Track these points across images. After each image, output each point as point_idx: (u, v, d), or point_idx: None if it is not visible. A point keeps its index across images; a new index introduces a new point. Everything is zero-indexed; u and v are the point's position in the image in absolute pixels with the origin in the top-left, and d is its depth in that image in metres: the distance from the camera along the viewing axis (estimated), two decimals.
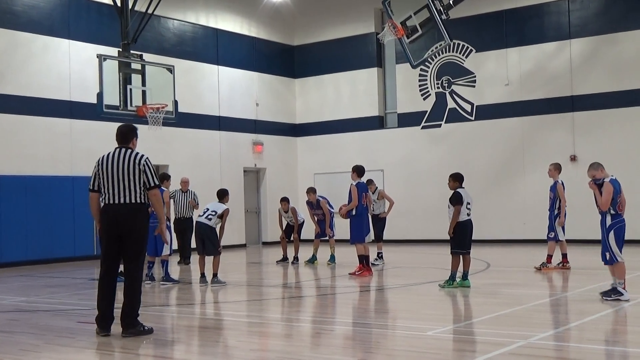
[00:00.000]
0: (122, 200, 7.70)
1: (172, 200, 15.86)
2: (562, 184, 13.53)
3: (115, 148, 7.93)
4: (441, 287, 11.16)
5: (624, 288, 9.32)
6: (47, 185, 17.87)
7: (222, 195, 12.87)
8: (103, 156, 7.89)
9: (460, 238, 11.15)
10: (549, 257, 13.50)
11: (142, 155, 7.86)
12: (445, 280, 11.24)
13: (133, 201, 7.71)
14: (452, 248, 11.24)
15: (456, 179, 11.39)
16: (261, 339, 7.86)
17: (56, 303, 10.81)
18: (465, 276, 11.19)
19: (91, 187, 7.89)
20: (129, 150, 7.88)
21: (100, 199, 7.88)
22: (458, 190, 11.23)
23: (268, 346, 7.44)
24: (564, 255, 13.58)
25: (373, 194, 15.07)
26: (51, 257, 17.88)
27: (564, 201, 13.38)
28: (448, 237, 11.27)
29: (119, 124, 8.49)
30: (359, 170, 13.61)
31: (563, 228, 13.44)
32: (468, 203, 11.21)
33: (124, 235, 7.72)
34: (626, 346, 7.08)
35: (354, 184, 13.39)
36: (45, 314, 9.76)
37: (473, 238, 11.49)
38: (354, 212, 13.31)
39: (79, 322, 8.78)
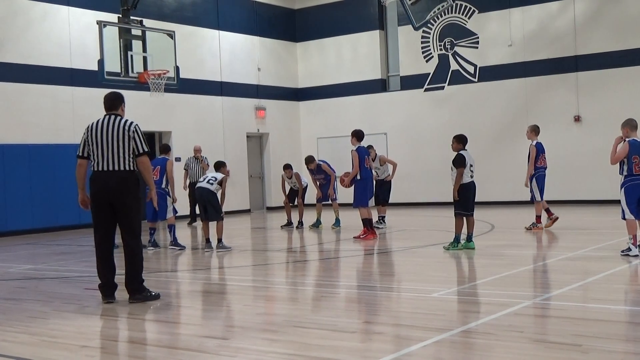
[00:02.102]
0: (111, 168, 7.66)
1: (185, 169, 18.19)
2: (537, 146, 13.61)
3: (105, 115, 7.87)
4: (446, 250, 11.19)
5: (633, 244, 9.67)
6: (50, 154, 17.87)
7: (219, 166, 12.93)
8: (92, 123, 7.83)
9: (464, 200, 11.15)
10: (537, 217, 13.70)
11: (132, 122, 7.80)
12: (450, 243, 11.27)
13: (122, 168, 7.67)
14: (455, 210, 11.25)
15: (459, 141, 11.35)
16: (266, 303, 7.91)
17: (63, 270, 10.88)
18: (469, 238, 11.22)
19: (80, 154, 7.84)
20: (119, 117, 7.82)
21: (90, 166, 7.85)
22: (461, 152, 11.20)
23: (273, 310, 7.49)
24: (538, 217, 13.76)
25: (374, 160, 15.02)
26: (56, 225, 17.96)
27: (531, 163, 13.55)
28: (452, 200, 11.28)
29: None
30: (358, 135, 13.59)
31: (542, 189, 13.59)
32: (471, 165, 11.19)
33: (115, 203, 7.70)
34: (630, 305, 7.12)
35: (354, 149, 13.38)
36: (53, 281, 9.83)
37: (477, 200, 11.51)
38: (358, 177, 13.30)
39: (85, 289, 8.84)
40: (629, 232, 9.79)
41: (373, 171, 14.50)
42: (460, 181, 11.08)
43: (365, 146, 14.86)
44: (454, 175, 11.14)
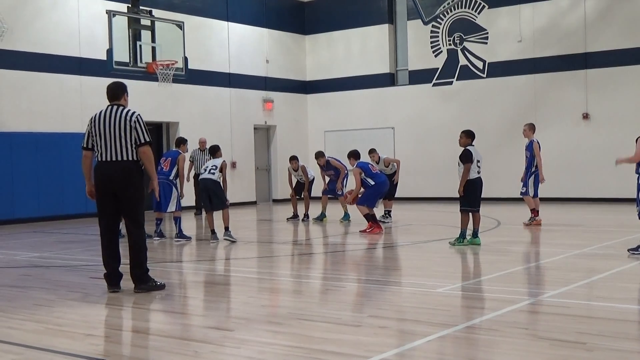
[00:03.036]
0: (114, 158, 7.68)
1: (190, 161, 18.02)
2: (538, 143, 13.96)
3: (107, 106, 7.88)
4: (451, 245, 11.18)
5: None
6: (58, 142, 17.91)
7: (215, 151, 12.94)
8: (96, 114, 7.85)
9: (470, 196, 11.13)
10: (536, 211, 13.82)
11: (134, 112, 7.81)
12: (456, 238, 11.26)
13: (125, 159, 7.68)
14: (461, 205, 11.23)
15: (468, 136, 11.33)
16: (271, 295, 7.93)
17: (69, 259, 10.91)
18: (475, 234, 11.20)
19: (85, 145, 7.86)
20: (121, 108, 7.83)
21: (95, 157, 7.87)
22: (468, 148, 11.17)
23: (278, 302, 7.50)
24: (533, 210, 13.89)
25: (377, 163, 14.99)
26: (63, 214, 18.02)
27: (539, 159, 13.80)
28: (458, 195, 11.27)
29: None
30: (355, 155, 14.02)
31: (536, 185, 13.84)
32: (478, 161, 11.16)
33: (119, 193, 7.73)
34: (636, 304, 7.10)
35: (354, 167, 13.51)
36: (58, 270, 9.86)
37: (484, 196, 11.50)
38: (372, 182, 13.37)
39: (91, 278, 8.87)
40: None
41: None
42: (467, 177, 11.06)
43: (368, 150, 15.02)
44: (461, 171, 11.12)
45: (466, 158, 11.05)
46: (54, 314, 6.79)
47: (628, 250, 9.83)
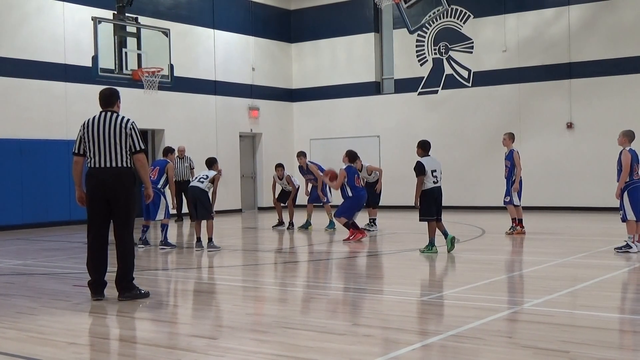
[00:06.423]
0: (108, 164, 7.66)
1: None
2: (518, 152, 14.09)
3: (100, 112, 7.86)
4: (421, 252, 11.30)
5: (633, 242, 10.55)
6: (42, 149, 17.82)
7: (211, 163, 12.92)
8: (89, 120, 7.82)
9: (427, 206, 11.24)
10: (518, 220, 13.92)
11: (129, 119, 7.81)
12: (425, 246, 11.38)
13: (119, 165, 7.67)
14: (420, 216, 11.35)
15: (419, 147, 11.55)
16: (256, 303, 7.91)
17: (52, 266, 10.85)
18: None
19: (76, 151, 7.83)
20: (115, 114, 7.82)
21: (86, 163, 7.85)
22: (421, 160, 11.29)
23: (263, 310, 7.49)
24: (520, 221, 13.98)
25: (361, 171, 15.02)
26: (47, 221, 17.91)
27: (519, 168, 13.89)
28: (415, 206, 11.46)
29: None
30: (351, 155, 13.94)
31: (519, 194, 13.96)
32: (434, 171, 11.29)
33: (111, 200, 7.70)
34: (618, 312, 7.15)
35: (344, 167, 13.53)
36: (42, 277, 9.80)
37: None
38: (349, 194, 13.40)
39: (74, 286, 8.82)
40: (629, 232, 10.69)
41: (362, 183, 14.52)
42: (420, 189, 11.20)
43: None
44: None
45: (418, 171, 11.20)
46: (37, 322, 6.75)
47: (614, 249, 10.62)
